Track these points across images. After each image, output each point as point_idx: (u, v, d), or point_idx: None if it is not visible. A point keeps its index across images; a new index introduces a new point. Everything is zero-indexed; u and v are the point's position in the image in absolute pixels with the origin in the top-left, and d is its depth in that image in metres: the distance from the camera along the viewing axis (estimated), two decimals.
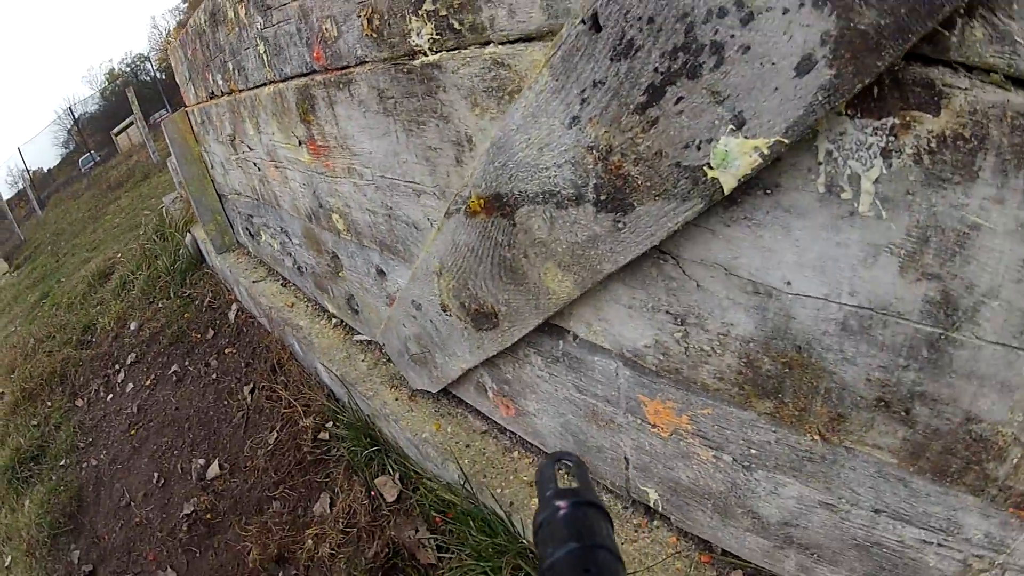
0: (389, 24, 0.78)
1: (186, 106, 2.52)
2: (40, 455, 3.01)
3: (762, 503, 0.72)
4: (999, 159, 0.42)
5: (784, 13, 0.42)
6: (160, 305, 3.34)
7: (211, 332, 2.81)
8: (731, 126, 0.48)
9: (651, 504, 0.91)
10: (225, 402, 2.30)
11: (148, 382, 2.82)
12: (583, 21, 0.52)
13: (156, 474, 2.26)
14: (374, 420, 1.47)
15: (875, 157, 0.47)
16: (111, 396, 2.98)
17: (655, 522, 0.95)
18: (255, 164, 1.68)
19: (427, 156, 0.84)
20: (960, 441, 0.51)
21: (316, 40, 1.02)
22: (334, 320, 1.77)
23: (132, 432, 2.59)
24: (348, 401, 1.56)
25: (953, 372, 0.49)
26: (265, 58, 1.30)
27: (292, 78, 1.20)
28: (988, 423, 0.49)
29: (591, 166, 0.59)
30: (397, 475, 1.49)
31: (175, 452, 2.31)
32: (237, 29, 1.44)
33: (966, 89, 0.42)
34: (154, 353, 2.99)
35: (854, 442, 0.59)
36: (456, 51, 0.70)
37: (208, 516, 1.90)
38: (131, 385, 2.91)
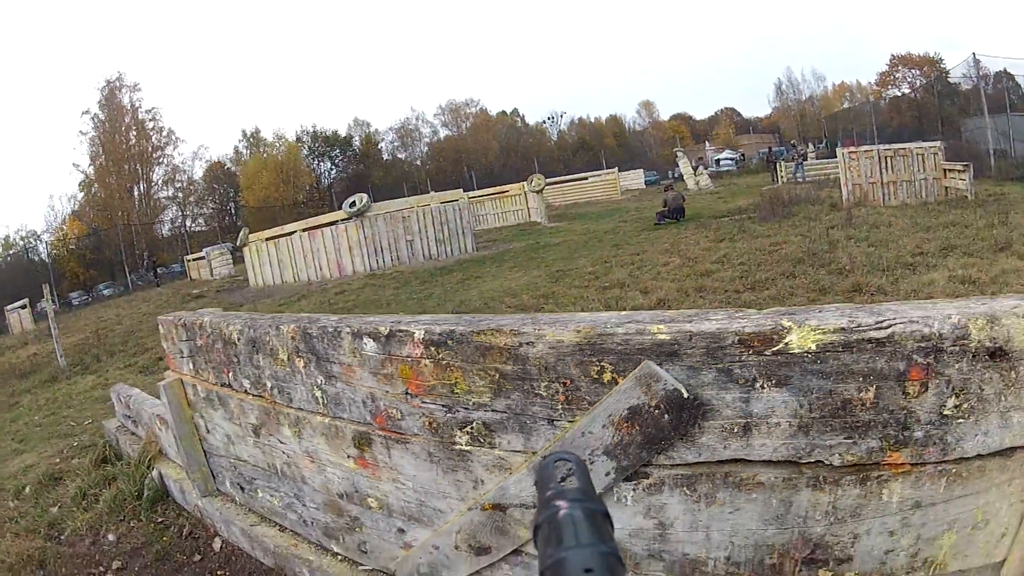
0: (443, 428, 1.80)
1: (172, 369, 3.24)
2: None
3: None
4: (670, 487, 1.52)
5: (592, 463, 1.52)
6: (132, 524, 3.66)
7: (198, 556, 3.25)
8: None
9: None
10: None
11: None
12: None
13: None
14: None
15: (631, 490, 1.55)
16: None
17: None
18: (285, 454, 2.49)
19: (455, 483, 1.82)
20: None
21: (380, 414, 1.99)
22: (339, 556, 2.52)
23: None
24: None
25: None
26: (321, 401, 2.20)
27: (349, 421, 2.13)
28: None
29: None
30: None
31: None
32: (289, 369, 2.33)
33: (659, 472, 1.53)
34: (140, 565, 3.31)
35: None
36: (480, 447, 1.73)
37: None
38: None
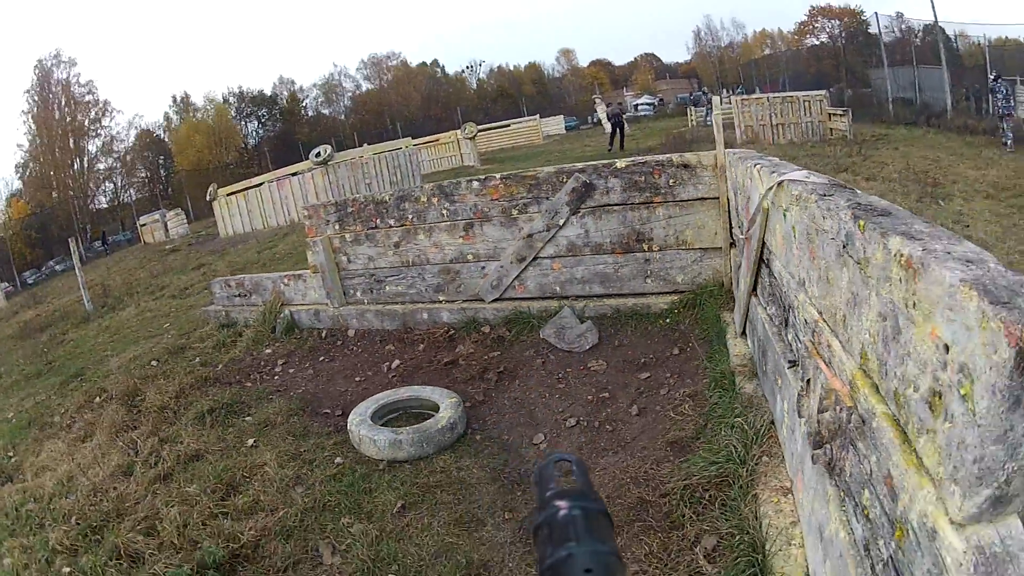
0: (507, 209, 4.90)
1: (311, 237, 6.06)
2: (236, 403, 4.50)
3: None
4: (587, 214, 4.75)
5: (561, 208, 4.72)
6: (277, 345, 5.55)
7: (339, 341, 5.65)
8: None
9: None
10: (377, 354, 5.55)
11: (307, 365, 5.05)
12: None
13: (356, 377, 5.13)
14: (475, 315, 5.31)
15: (575, 218, 4.75)
16: (276, 377, 4.91)
17: None
18: (418, 250, 5.47)
19: (511, 232, 4.93)
20: None
21: (479, 211, 5.04)
22: (444, 301, 5.52)
23: (315, 376, 4.97)
24: (476, 316, 5.35)
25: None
26: (445, 213, 5.18)
27: (462, 219, 5.16)
28: None
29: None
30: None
31: (358, 375, 5.37)
32: (429, 205, 5.31)
33: (583, 210, 4.75)
34: (299, 356, 5.23)
35: None
36: (521, 214, 4.86)
37: (404, 372, 5.28)
38: (292, 369, 5.02)
